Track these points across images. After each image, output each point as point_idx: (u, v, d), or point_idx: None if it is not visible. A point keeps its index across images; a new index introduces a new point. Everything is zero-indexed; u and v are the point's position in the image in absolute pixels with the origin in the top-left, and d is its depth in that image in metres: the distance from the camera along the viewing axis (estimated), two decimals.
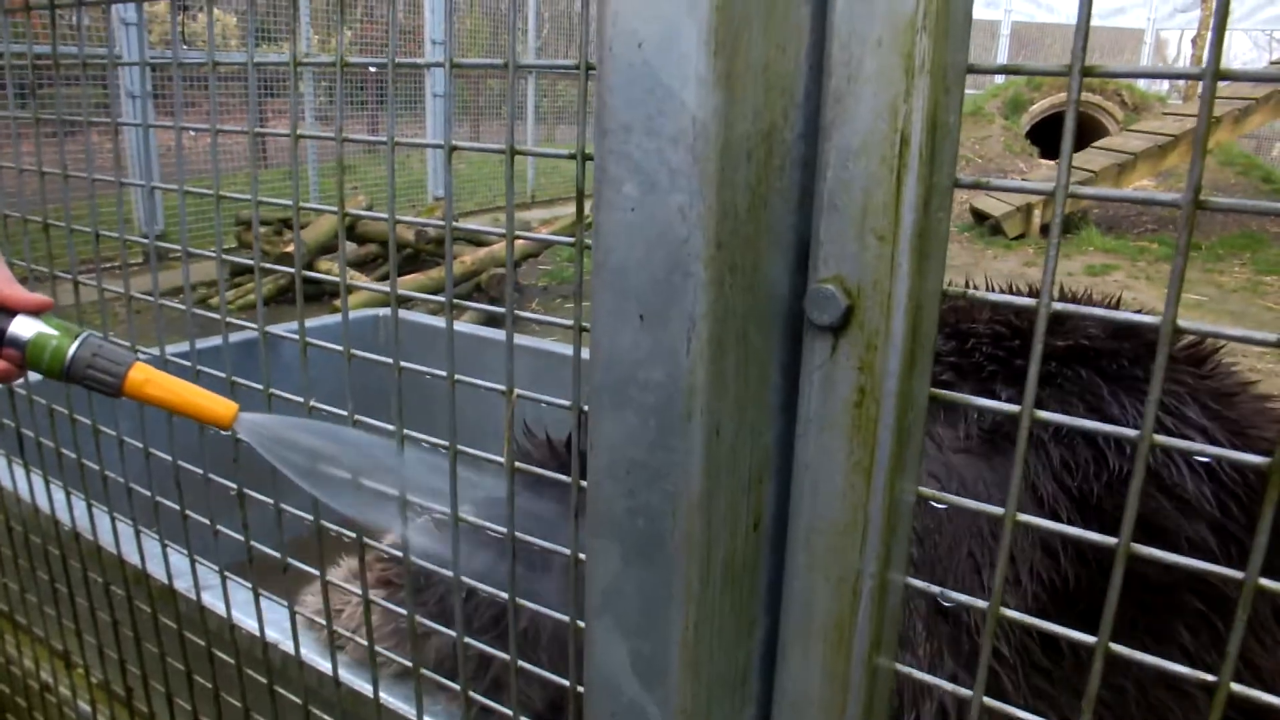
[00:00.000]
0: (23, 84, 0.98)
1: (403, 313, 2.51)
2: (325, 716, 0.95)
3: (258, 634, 0.98)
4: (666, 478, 0.47)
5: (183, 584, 1.08)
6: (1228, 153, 8.54)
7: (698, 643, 0.50)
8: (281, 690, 0.98)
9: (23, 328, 0.74)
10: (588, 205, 0.54)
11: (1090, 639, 0.49)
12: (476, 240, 5.56)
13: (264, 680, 0.99)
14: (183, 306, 0.91)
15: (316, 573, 0.89)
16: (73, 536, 1.20)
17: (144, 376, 0.74)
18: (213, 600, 1.04)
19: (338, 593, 1.20)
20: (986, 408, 0.50)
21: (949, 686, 0.55)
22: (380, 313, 2.47)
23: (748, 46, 0.43)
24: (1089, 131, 9.04)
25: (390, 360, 0.74)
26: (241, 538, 0.92)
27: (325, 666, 0.94)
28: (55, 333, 0.74)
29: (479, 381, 0.68)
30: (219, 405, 0.74)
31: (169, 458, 0.96)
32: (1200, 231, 7.43)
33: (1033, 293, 0.52)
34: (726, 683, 0.53)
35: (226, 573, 1.00)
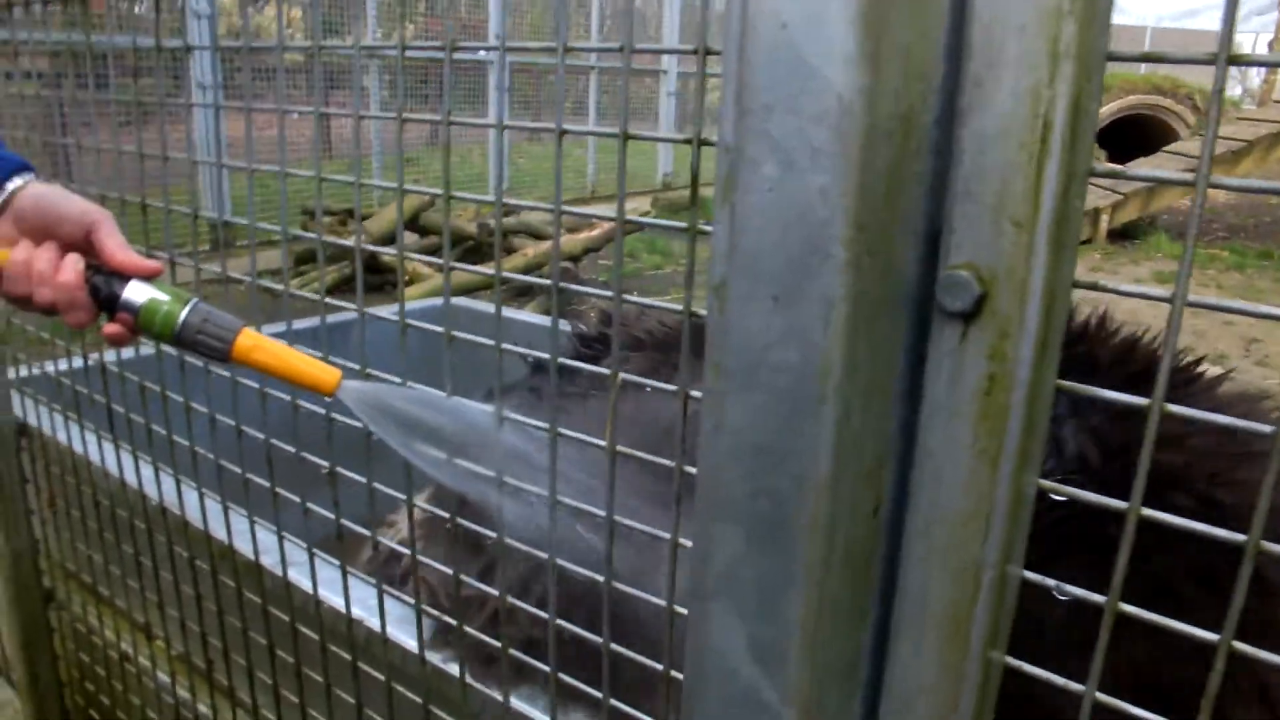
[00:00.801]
0: (101, 73, 1.01)
1: (470, 301, 2.54)
2: (409, 694, 0.96)
3: (343, 610, 1.00)
4: (794, 461, 0.47)
5: (269, 560, 1.10)
6: None
7: (817, 628, 0.49)
8: (365, 667, 1.00)
9: (135, 293, 0.76)
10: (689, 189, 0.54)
11: (1213, 637, 0.48)
12: (538, 234, 5.59)
13: (348, 656, 1.01)
14: (279, 287, 0.93)
15: (405, 550, 0.90)
16: (160, 511, 1.24)
17: (251, 342, 0.76)
18: (298, 576, 1.07)
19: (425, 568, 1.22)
20: (1117, 401, 0.49)
21: (1060, 682, 0.54)
22: (457, 301, 2.51)
23: (893, 27, 0.43)
24: (1159, 136, 8.84)
25: (488, 341, 0.75)
26: (331, 515, 0.94)
27: (411, 644, 0.96)
28: (166, 298, 0.76)
29: (583, 365, 0.69)
30: (323, 372, 0.76)
31: (260, 435, 0.98)
32: (1273, 240, 7.24)
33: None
34: (839, 670, 0.53)
35: (314, 549, 1.02)
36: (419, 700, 0.94)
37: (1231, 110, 9.31)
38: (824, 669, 0.50)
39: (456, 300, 2.54)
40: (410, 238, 5.69)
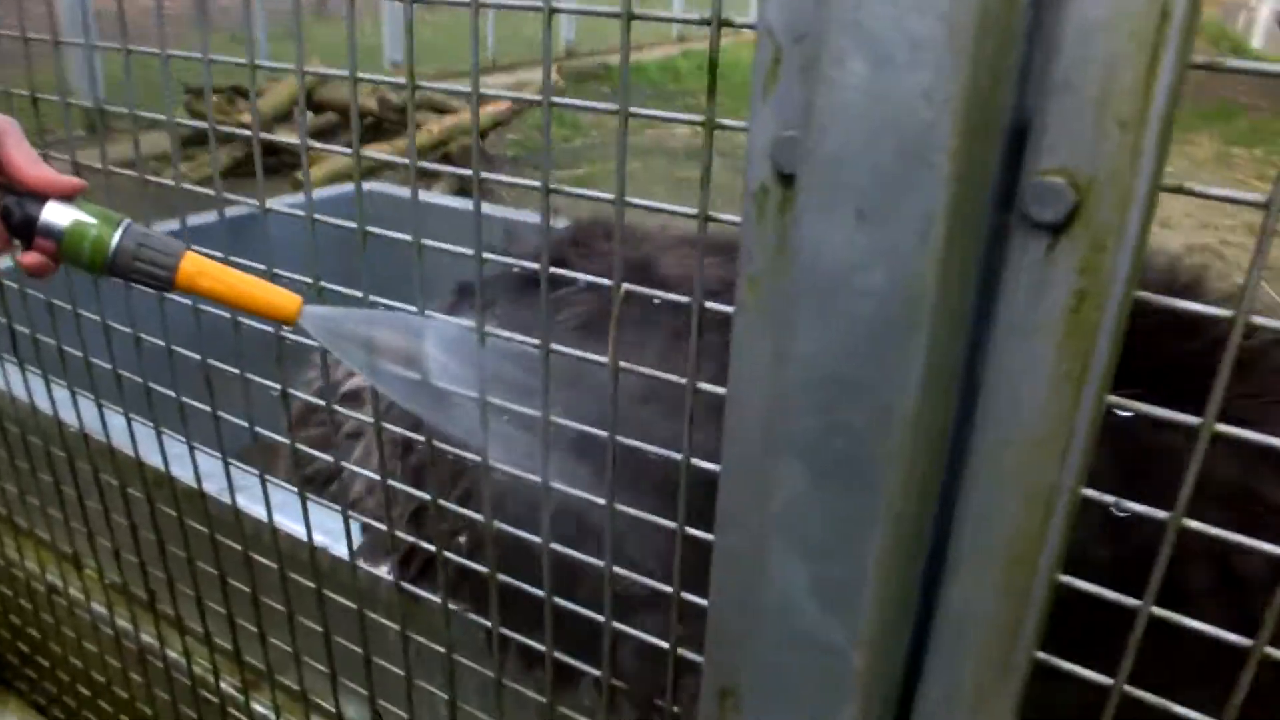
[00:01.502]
0: None
1: (382, 185, 2.40)
2: (381, 619, 0.91)
3: (303, 538, 0.93)
4: (877, 392, 0.42)
5: (213, 486, 1.02)
6: (1212, 33, 8.43)
7: (890, 566, 0.46)
8: (330, 594, 0.95)
9: (57, 215, 0.65)
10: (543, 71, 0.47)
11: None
12: (441, 108, 5.33)
13: (311, 584, 0.95)
14: (169, 181, 0.82)
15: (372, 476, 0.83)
16: (81, 438, 1.13)
17: (196, 268, 0.66)
18: (248, 503, 0.99)
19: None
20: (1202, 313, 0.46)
21: (1123, 602, 0.52)
22: (369, 186, 2.35)
23: None
24: None
25: (407, 235, 0.67)
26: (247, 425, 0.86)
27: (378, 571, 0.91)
28: (94, 220, 0.65)
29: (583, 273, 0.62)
30: (282, 298, 0.67)
31: (195, 354, 0.89)
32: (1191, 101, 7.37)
33: None
34: (900, 603, 0.50)
35: (266, 477, 0.95)
36: (395, 626, 0.89)
37: None
38: (890, 604, 0.47)
39: (367, 185, 2.39)
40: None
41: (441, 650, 0.86)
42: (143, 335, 0.94)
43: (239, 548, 1.00)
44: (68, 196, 0.66)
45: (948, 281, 0.40)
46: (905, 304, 0.40)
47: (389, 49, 7.30)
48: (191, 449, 0.99)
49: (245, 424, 0.88)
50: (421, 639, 0.88)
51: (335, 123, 5.15)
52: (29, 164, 0.65)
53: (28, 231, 0.65)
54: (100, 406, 1.07)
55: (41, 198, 0.65)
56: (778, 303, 0.51)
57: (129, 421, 1.05)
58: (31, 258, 0.66)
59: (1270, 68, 0.46)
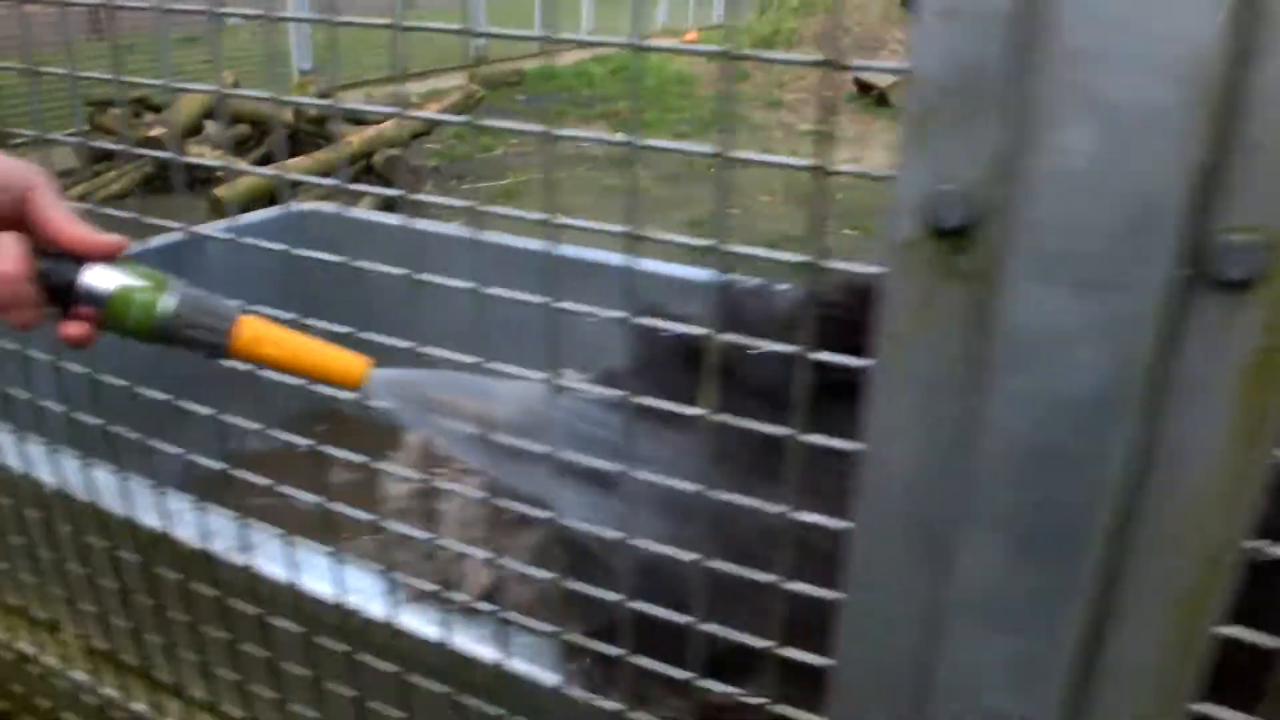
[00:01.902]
0: None
1: (330, 207, 2.31)
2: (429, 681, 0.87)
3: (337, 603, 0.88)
4: (1084, 465, 0.40)
5: (222, 545, 0.96)
6: None
7: (1085, 636, 0.44)
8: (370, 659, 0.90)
9: (99, 279, 0.59)
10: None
11: None
12: (359, 119, 5.20)
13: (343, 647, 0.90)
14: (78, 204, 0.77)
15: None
16: (60, 497, 1.05)
17: (254, 333, 0.62)
18: (265, 564, 0.94)
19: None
20: None
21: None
22: (308, 207, 2.26)
23: None
24: None
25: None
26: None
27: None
28: (140, 283, 0.60)
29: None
30: (347, 363, 0.63)
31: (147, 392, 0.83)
32: None
33: None
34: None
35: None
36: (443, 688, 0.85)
37: None
38: (1078, 675, 0.46)
39: (307, 205, 2.31)
40: (213, 126, 5.16)
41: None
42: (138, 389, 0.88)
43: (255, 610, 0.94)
44: (109, 257, 0.60)
45: (1162, 351, 0.39)
46: (1121, 376, 0.39)
47: (297, 56, 7.09)
48: (199, 509, 0.92)
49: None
50: (474, 700, 0.84)
51: (249, 135, 4.97)
52: (66, 222, 0.59)
53: (66, 297, 0.59)
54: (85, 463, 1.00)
55: (79, 259, 0.59)
56: (921, 361, 0.49)
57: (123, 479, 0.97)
58: (74, 327, 0.60)
59: None
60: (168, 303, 0.60)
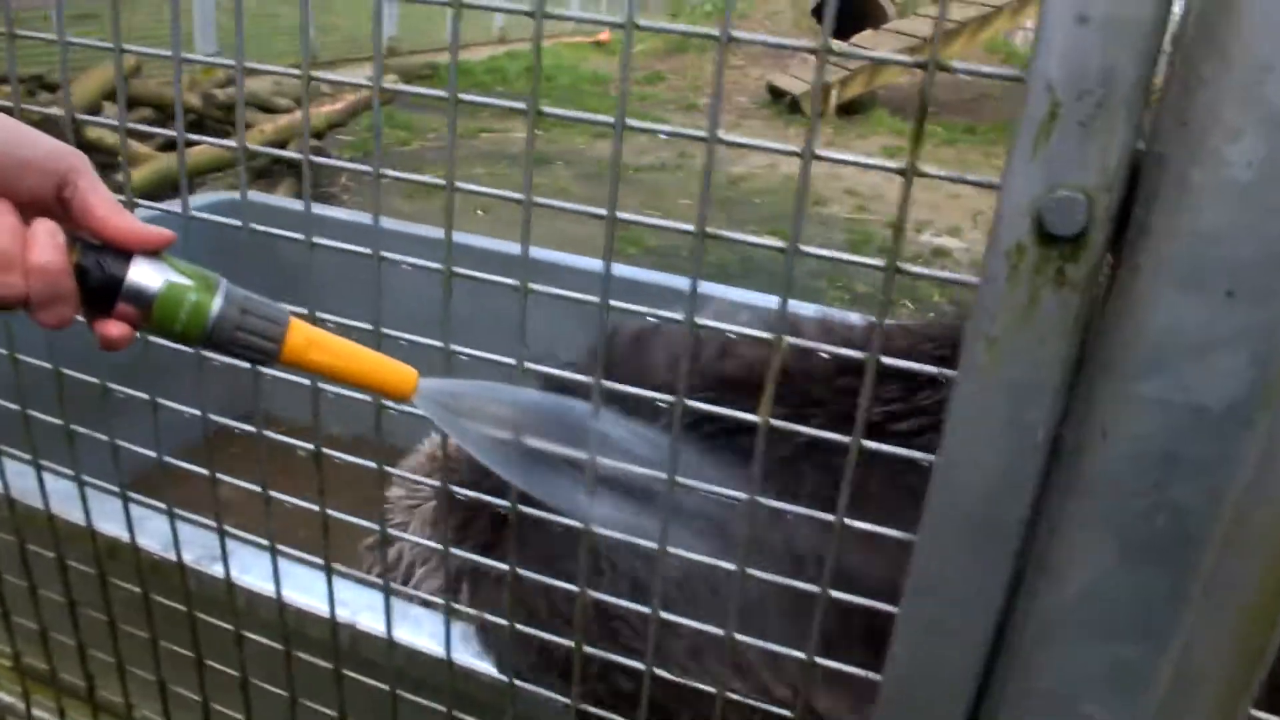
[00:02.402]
0: None
1: (261, 196, 2.22)
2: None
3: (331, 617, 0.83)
4: (1212, 471, 0.40)
5: (193, 555, 0.90)
6: (991, 44, 9.12)
7: (1187, 643, 0.44)
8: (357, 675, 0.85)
9: (146, 276, 0.53)
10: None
11: None
12: (268, 107, 5.02)
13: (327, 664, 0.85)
14: None
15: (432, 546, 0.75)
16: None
17: (305, 339, 0.57)
18: (248, 579, 0.88)
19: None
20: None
21: None
22: (236, 195, 2.16)
23: None
24: (870, 14, 9.34)
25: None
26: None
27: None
28: (190, 282, 0.54)
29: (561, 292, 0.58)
30: (398, 373, 0.59)
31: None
32: (975, 116, 7.96)
33: None
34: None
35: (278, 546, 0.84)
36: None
37: None
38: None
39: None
40: (111, 109, 4.91)
41: None
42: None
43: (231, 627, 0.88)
44: (156, 251, 0.55)
45: None
46: (1260, 383, 0.39)
47: (200, 39, 6.80)
48: (174, 519, 0.86)
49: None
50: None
51: (151, 119, 4.74)
52: (111, 211, 0.53)
53: (108, 295, 0.53)
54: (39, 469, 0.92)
55: (125, 254, 0.54)
56: (1018, 366, 0.48)
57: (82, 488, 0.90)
58: (115, 328, 0.54)
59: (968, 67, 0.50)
60: (220, 304, 0.55)
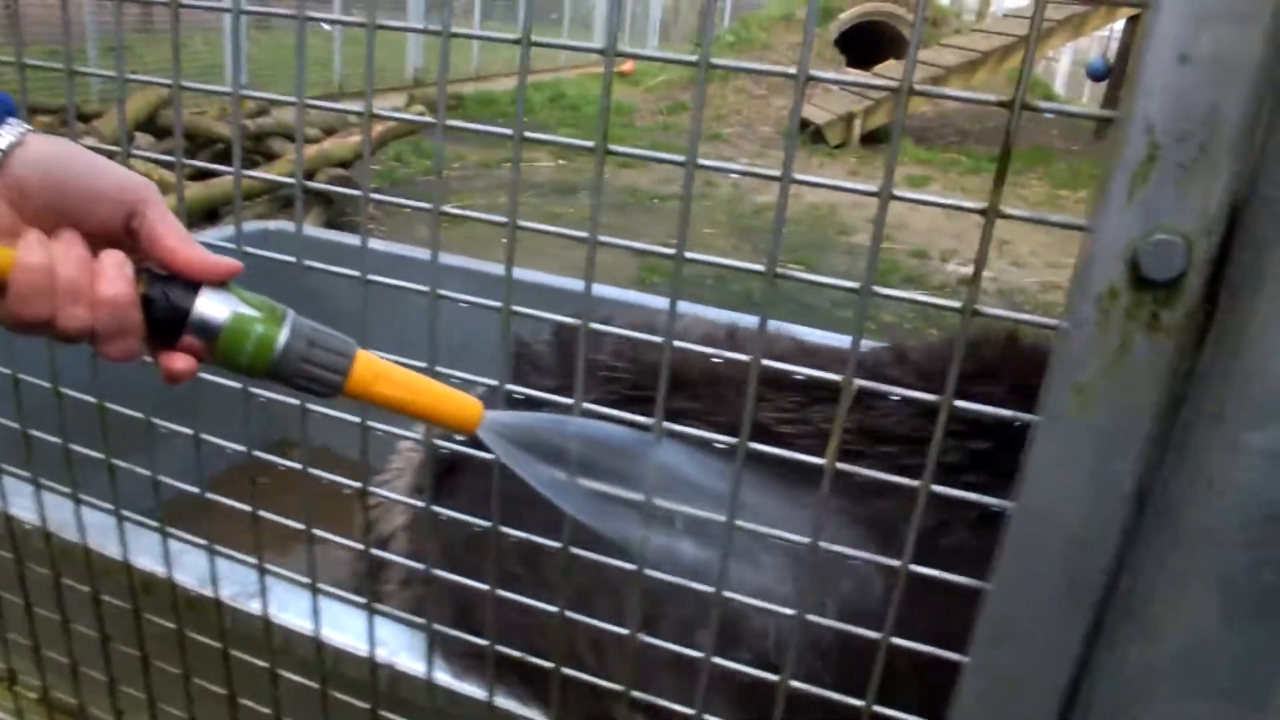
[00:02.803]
0: None
1: (290, 225, 2.22)
2: None
3: (363, 654, 0.82)
4: None
5: (230, 592, 0.89)
6: (1013, 74, 9.11)
7: None
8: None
9: (212, 307, 0.52)
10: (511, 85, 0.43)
11: None
12: (292, 135, 5.06)
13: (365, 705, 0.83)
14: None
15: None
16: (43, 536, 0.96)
17: (371, 371, 0.55)
18: (284, 616, 0.86)
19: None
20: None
21: None
22: (270, 225, 2.17)
23: None
24: (891, 43, 9.37)
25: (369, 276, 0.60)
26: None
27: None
28: (257, 313, 0.53)
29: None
30: (463, 406, 0.57)
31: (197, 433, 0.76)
32: (998, 144, 7.94)
33: None
34: None
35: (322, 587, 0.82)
36: None
37: (954, 21, 10.02)
38: None
39: (272, 224, 2.22)
40: (144, 139, 4.98)
41: None
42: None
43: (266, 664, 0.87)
44: (223, 282, 0.54)
45: None
46: None
47: (230, 68, 6.90)
48: (213, 554, 0.85)
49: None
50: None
51: (184, 149, 4.79)
52: (180, 242, 0.52)
53: (174, 327, 0.52)
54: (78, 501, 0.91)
55: (191, 284, 0.53)
56: (1107, 413, 0.47)
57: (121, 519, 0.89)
58: (180, 361, 0.53)
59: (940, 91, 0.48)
60: (287, 336, 0.54)
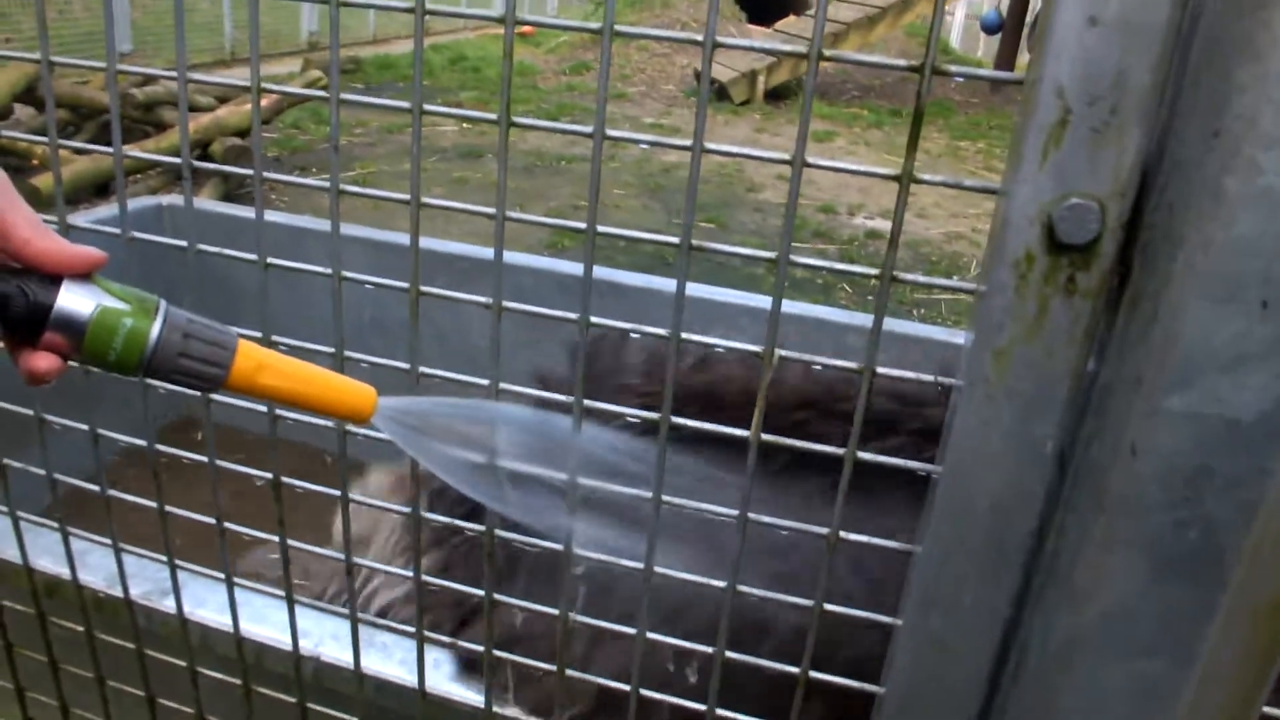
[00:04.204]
0: None
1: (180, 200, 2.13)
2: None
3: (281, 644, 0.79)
4: (1246, 487, 0.39)
5: (141, 590, 0.85)
6: (912, 28, 9.24)
7: (1215, 657, 0.44)
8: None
9: (76, 301, 0.48)
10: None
11: None
12: (190, 105, 4.84)
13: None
14: None
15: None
16: None
17: (254, 362, 0.52)
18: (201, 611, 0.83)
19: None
20: None
21: None
22: (164, 201, 2.07)
23: None
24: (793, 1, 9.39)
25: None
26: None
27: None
28: (125, 305, 0.49)
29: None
30: (355, 394, 0.55)
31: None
32: (899, 99, 8.07)
33: None
34: None
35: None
36: None
37: None
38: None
39: (165, 199, 2.11)
40: (25, 112, 4.71)
41: None
42: None
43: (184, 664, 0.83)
44: (86, 274, 0.50)
45: None
46: None
47: (118, 35, 6.54)
48: (119, 552, 0.81)
49: None
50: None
51: (67, 120, 4.55)
52: (35, 233, 0.48)
53: (35, 324, 0.48)
54: None
55: (52, 278, 0.49)
56: (1025, 378, 0.47)
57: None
58: (43, 360, 0.49)
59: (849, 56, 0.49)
60: (159, 329, 0.50)
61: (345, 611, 0.75)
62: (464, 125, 6.43)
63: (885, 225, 5.00)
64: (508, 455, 0.60)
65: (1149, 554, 0.42)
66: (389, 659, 0.84)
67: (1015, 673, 0.51)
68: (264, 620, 0.84)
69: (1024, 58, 8.06)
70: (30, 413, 0.77)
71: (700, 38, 0.52)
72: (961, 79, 0.45)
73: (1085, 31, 0.40)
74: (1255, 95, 0.34)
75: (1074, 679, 0.45)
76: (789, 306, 1.74)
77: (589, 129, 0.54)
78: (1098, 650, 0.44)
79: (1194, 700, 0.47)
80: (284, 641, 0.80)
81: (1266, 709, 0.53)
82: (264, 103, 4.74)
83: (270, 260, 0.65)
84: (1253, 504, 0.40)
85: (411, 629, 0.73)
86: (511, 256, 1.95)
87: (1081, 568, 0.43)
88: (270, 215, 2.08)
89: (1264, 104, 0.34)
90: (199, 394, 0.55)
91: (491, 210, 0.58)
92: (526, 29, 11.85)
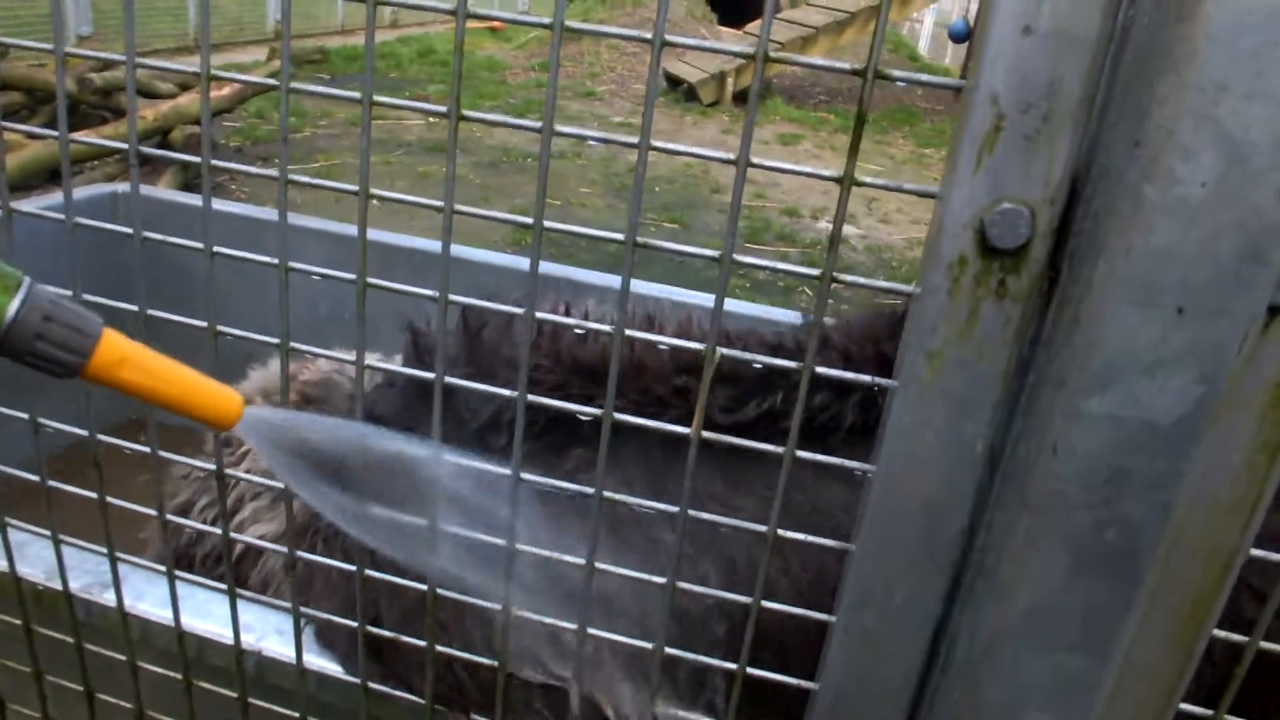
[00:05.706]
0: None
1: (146, 189, 2.10)
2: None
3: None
4: (1163, 487, 0.40)
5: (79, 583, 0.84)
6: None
7: (1132, 649, 0.45)
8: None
9: None
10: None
11: None
12: (149, 91, 4.78)
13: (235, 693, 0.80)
14: None
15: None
16: None
17: (116, 354, 0.51)
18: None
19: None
20: None
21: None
22: (119, 188, 2.03)
23: None
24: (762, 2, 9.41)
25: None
26: None
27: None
28: None
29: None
30: (220, 399, 0.54)
31: None
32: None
33: None
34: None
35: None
36: None
37: None
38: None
39: (119, 187, 2.08)
40: None
41: None
42: None
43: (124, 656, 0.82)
44: None
45: (1241, 375, 0.39)
46: (1209, 398, 0.39)
47: (74, 18, 6.42)
48: (58, 544, 0.80)
49: None
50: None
51: (20, 103, 4.46)
52: None
53: None
54: None
55: None
56: (958, 379, 0.48)
57: None
58: None
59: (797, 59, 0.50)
60: (17, 307, 0.48)
61: (289, 606, 0.75)
62: (430, 120, 6.39)
63: (848, 229, 5.04)
64: (367, 486, 0.59)
65: (1070, 551, 0.43)
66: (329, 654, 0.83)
67: (944, 666, 0.52)
68: (206, 615, 0.83)
69: None
70: None
71: (650, 35, 0.52)
72: (904, 84, 0.46)
73: (1020, 40, 0.41)
74: (1174, 106, 0.35)
75: (998, 671, 0.46)
76: (734, 305, 1.74)
77: (538, 124, 0.54)
78: (1021, 643, 0.45)
79: (1113, 692, 0.48)
80: (226, 636, 0.79)
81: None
82: (226, 91, 4.70)
83: (216, 249, 0.64)
84: (1168, 504, 0.41)
85: (353, 622, 0.73)
86: (473, 253, 1.94)
87: (1007, 564, 0.44)
88: (229, 206, 2.05)
89: (1182, 115, 0.35)
90: (56, 378, 0.53)
91: (440, 204, 0.57)
92: (497, 24, 11.80)
